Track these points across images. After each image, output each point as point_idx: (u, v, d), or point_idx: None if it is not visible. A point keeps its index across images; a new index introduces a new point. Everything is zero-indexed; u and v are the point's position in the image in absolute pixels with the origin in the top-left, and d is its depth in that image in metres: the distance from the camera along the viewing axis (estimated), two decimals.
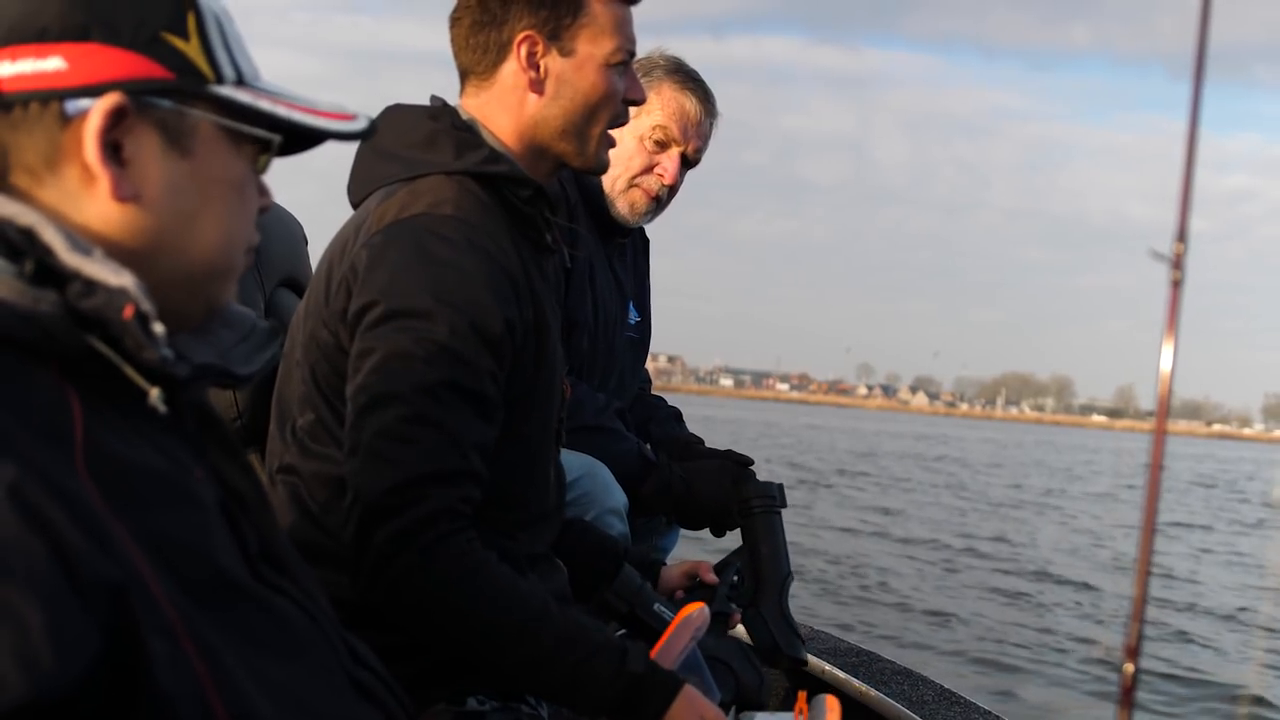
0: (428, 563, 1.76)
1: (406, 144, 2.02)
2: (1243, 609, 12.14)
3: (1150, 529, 0.94)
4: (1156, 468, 0.92)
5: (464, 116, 2.06)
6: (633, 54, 2.06)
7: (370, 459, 1.80)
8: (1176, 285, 0.94)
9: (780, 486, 2.81)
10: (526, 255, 2.00)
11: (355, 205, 2.09)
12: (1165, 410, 0.93)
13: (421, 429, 1.80)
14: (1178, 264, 0.94)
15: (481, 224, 1.93)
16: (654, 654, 2.02)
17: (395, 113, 2.09)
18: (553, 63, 2.01)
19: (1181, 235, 0.95)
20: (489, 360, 1.86)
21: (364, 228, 1.97)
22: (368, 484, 1.79)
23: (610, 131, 2.09)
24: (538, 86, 2.02)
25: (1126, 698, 0.94)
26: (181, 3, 1.11)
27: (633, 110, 2.91)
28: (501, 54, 2.02)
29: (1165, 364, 0.92)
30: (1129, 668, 0.94)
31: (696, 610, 2.16)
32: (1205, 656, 9.67)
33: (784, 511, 2.75)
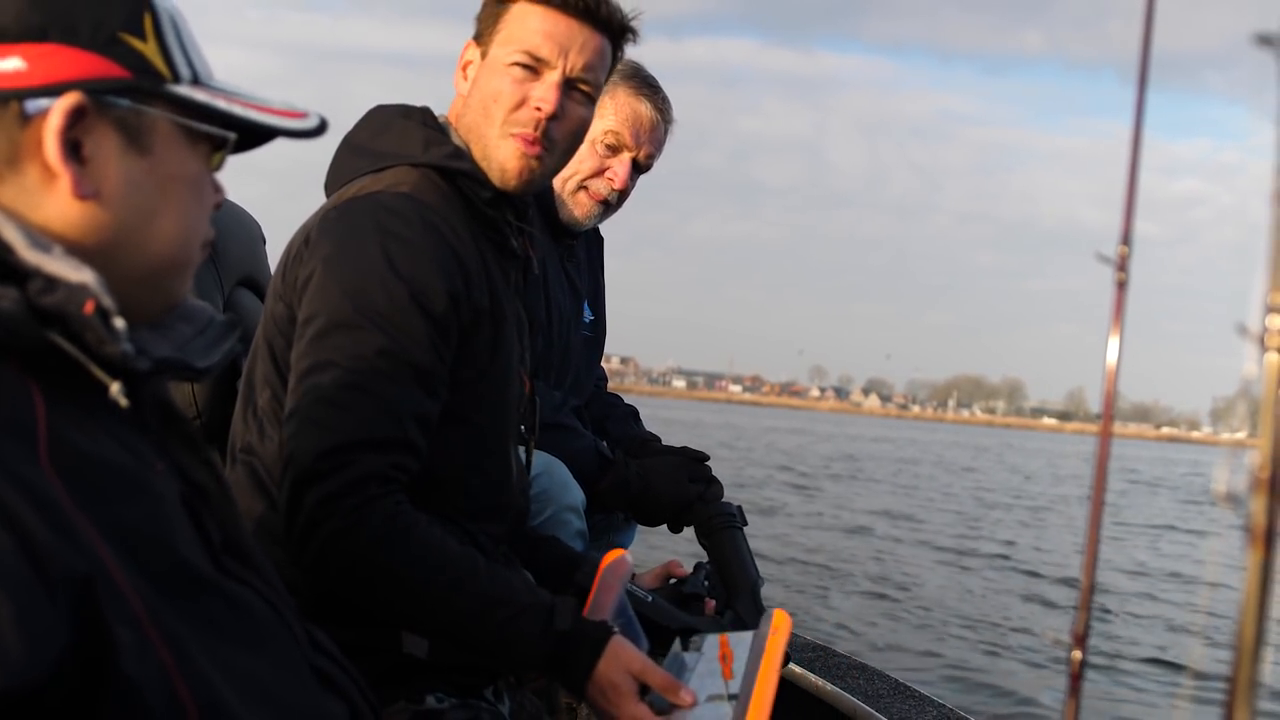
0: (355, 524, 1.77)
1: (379, 140, 2.07)
2: (1183, 601, 12.34)
3: (1097, 520, 0.97)
4: (1103, 459, 0.95)
5: (441, 120, 2.10)
6: (539, 60, 2.00)
7: (304, 424, 1.82)
8: (1121, 286, 0.97)
9: (740, 507, 2.82)
10: (488, 253, 2.02)
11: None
12: (1111, 406, 0.96)
13: (356, 395, 1.82)
14: (1122, 266, 0.97)
15: (436, 207, 1.96)
16: (586, 609, 2.03)
17: (375, 112, 2.14)
18: (475, 68, 2.06)
19: (1126, 239, 0.98)
20: (430, 332, 1.87)
21: (324, 206, 2.01)
22: (300, 448, 1.81)
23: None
24: (462, 89, 2.08)
25: (1075, 684, 0.96)
26: (138, 3, 1.13)
27: None
28: (459, 65, 2.10)
29: (1111, 358, 0.95)
30: (1076, 655, 0.97)
31: (616, 558, 2.14)
32: (1151, 642, 9.82)
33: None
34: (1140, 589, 13.05)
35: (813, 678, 3.30)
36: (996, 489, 29.13)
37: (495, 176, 2.03)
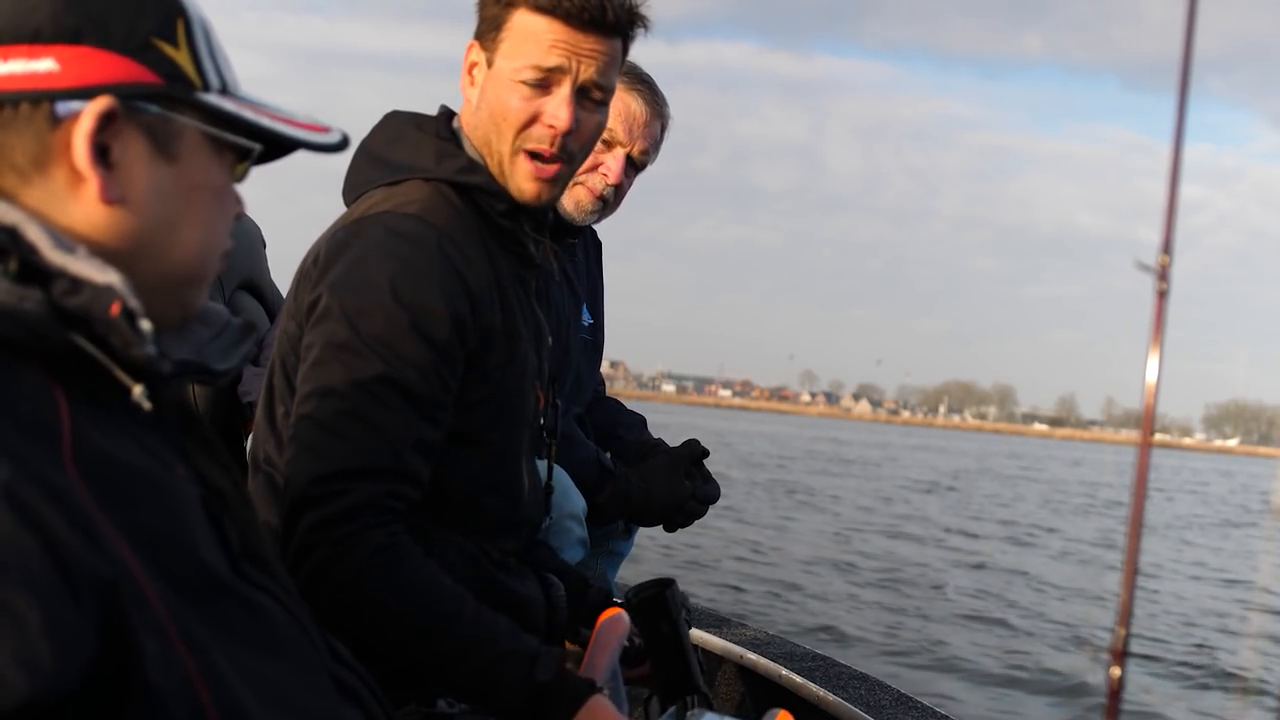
0: (343, 554, 1.76)
1: (393, 149, 2.04)
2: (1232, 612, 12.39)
3: (1136, 533, 0.96)
4: (1143, 474, 0.94)
5: (455, 126, 2.07)
6: (549, 73, 1.95)
7: (301, 449, 1.81)
8: (1162, 296, 0.96)
9: (689, 600, 2.81)
10: (501, 265, 2.00)
11: (348, 207, 2.09)
12: (1151, 420, 0.95)
13: (351, 423, 1.80)
14: (1164, 275, 0.96)
15: (446, 227, 1.92)
16: (583, 666, 2.00)
17: (391, 119, 2.12)
18: (481, 73, 2.02)
19: (1167, 247, 0.97)
20: (431, 359, 1.85)
21: (335, 224, 2.00)
22: (296, 473, 1.80)
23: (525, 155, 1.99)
24: (469, 94, 2.04)
25: (1113, 701, 0.95)
26: (172, 10, 1.12)
27: None
28: (464, 64, 2.06)
29: (1151, 371, 0.94)
30: (1115, 671, 0.96)
31: (614, 617, 2.11)
32: (1193, 659, 9.81)
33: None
34: (1185, 604, 13.12)
35: (814, 688, 3.28)
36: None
37: (513, 193, 2.00)
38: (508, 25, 1.96)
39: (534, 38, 1.94)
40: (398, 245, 1.88)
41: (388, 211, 1.93)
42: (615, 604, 2.26)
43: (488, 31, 1.99)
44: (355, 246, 1.90)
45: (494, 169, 2.01)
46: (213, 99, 1.14)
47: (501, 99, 1.97)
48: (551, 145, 1.97)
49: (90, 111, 1.04)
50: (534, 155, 1.98)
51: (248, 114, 1.16)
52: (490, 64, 1.99)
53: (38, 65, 1.04)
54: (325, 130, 1.23)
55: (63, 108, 1.04)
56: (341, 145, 1.24)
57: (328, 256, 1.92)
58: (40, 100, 1.04)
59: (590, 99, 2.00)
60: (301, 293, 1.94)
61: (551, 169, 1.99)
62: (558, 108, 1.96)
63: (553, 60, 1.94)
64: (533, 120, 1.96)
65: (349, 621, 1.78)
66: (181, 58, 1.12)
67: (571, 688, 1.80)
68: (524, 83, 1.95)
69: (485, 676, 1.79)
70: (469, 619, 1.80)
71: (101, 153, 1.06)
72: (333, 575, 1.76)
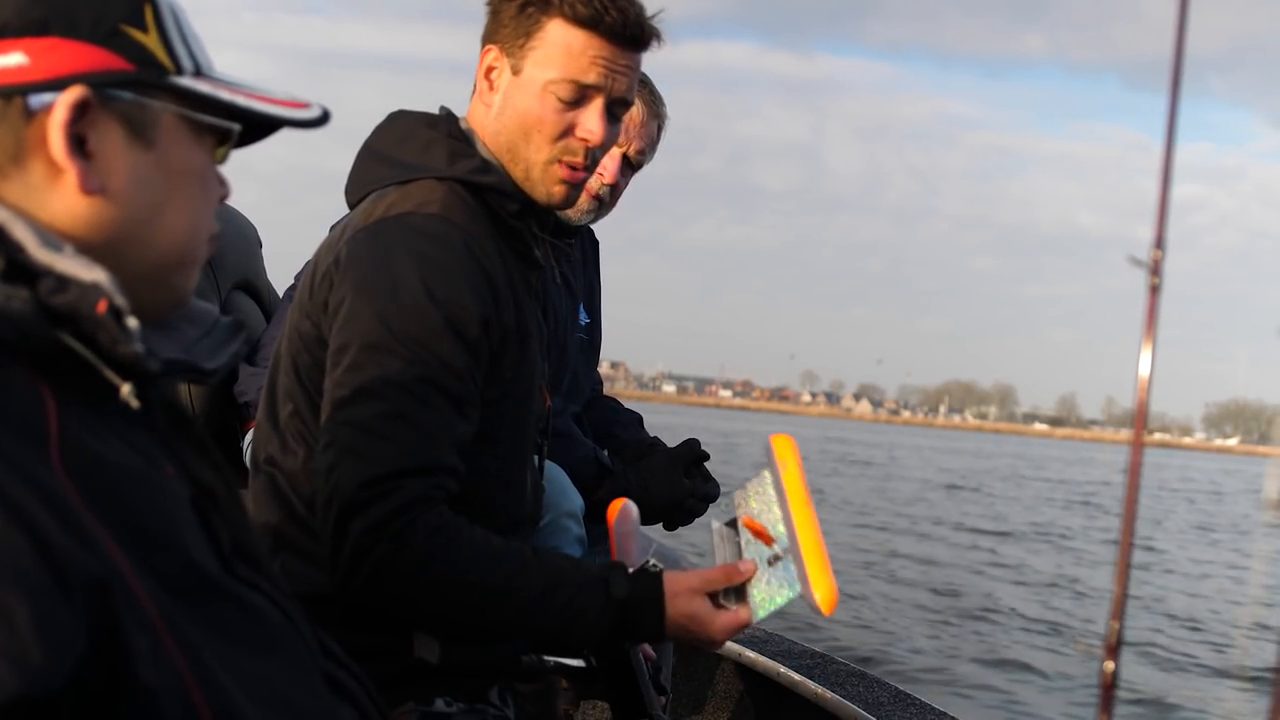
0: (403, 546, 1.78)
1: (402, 149, 2.04)
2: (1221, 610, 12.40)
3: (1130, 527, 0.96)
4: (1135, 469, 0.93)
5: (463, 126, 2.08)
6: (585, 88, 1.97)
7: (345, 453, 1.81)
8: (1155, 290, 0.95)
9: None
10: (512, 265, 2.01)
11: (352, 207, 2.09)
12: (1144, 415, 0.94)
13: (395, 424, 1.81)
14: (1156, 270, 0.96)
15: (466, 226, 1.93)
16: (614, 556, 2.07)
17: (397, 118, 2.12)
18: (503, 79, 2.02)
19: (1160, 242, 0.96)
20: (465, 357, 1.87)
21: (352, 224, 1.99)
22: (342, 478, 1.80)
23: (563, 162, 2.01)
24: (487, 99, 2.04)
25: (1107, 696, 0.95)
26: None
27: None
28: (480, 66, 2.06)
29: (1144, 368, 0.93)
30: (1109, 666, 0.95)
31: (620, 507, 2.17)
32: (1186, 655, 9.83)
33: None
34: (1178, 597, 13.13)
35: (812, 685, 3.29)
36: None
37: (541, 197, 2.03)
38: (540, 34, 1.97)
39: (572, 52, 1.96)
40: (425, 245, 1.89)
41: (411, 212, 1.93)
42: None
43: (513, 37, 1.99)
44: (380, 247, 1.91)
45: (517, 173, 2.02)
46: (186, 82, 1.13)
47: (532, 109, 1.98)
48: (584, 157, 2.00)
49: (63, 102, 1.04)
50: (565, 163, 2.01)
51: (223, 94, 1.15)
52: (517, 70, 1.99)
53: (7, 60, 1.03)
54: (304, 106, 1.22)
55: (35, 101, 1.04)
56: (321, 120, 1.23)
57: (350, 257, 1.92)
58: (12, 95, 1.03)
59: (613, 112, 2.03)
60: (319, 293, 1.95)
61: (581, 175, 2.02)
62: (593, 122, 1.99)
63: (592, 77, 1.96)
64: (567, 132, 1.99)
65: (419, 607, 1.84)
66: (151, 42, 1.11)
67: (646, 591, 1.88)
68: (559, 97, 1.97)
69: (568, 614, 1.84)
70: (534, 568, 1.85)
71: (78, 143, 1.05)
72: (399, 566, 1.78)
